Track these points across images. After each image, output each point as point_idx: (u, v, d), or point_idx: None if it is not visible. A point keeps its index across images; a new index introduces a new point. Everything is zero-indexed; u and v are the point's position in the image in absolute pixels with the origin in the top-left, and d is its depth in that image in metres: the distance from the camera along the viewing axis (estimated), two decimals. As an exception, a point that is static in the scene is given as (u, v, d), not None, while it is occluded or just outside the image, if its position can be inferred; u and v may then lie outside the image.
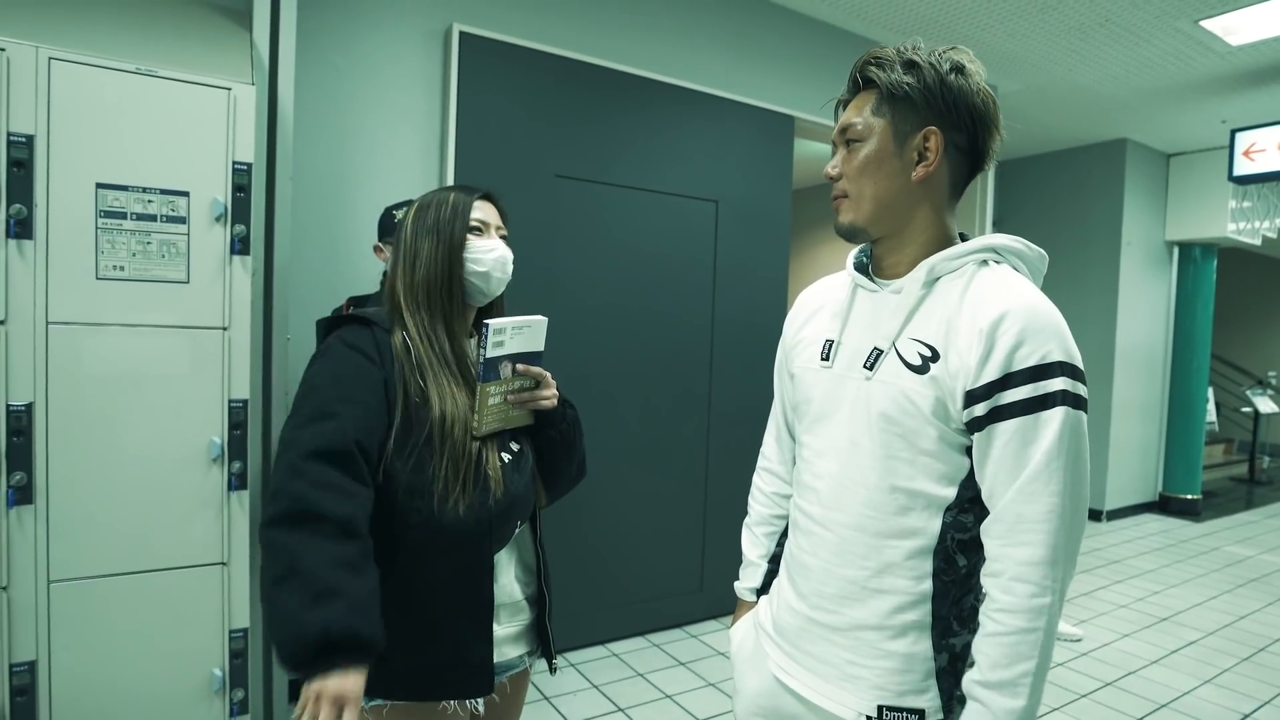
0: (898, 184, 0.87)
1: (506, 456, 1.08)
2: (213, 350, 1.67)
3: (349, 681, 0.79)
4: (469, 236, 1.07)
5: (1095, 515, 5.17)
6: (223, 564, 1.68)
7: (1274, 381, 7.49)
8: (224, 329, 1.68)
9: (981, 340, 0.78)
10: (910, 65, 0.85)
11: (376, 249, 1.97)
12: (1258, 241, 5.37)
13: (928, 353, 0.83)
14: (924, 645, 0.84)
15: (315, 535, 0.82)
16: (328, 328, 1.08)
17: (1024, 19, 3.24)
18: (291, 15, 1.89)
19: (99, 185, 1.54)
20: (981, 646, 0.79)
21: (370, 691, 0.97)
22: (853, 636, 0.87)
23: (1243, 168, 4.25)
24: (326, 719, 0.76)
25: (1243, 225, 5.18)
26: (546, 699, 2.39)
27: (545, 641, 1.16)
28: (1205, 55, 3.57)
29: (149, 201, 1.59)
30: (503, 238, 1.13)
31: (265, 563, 0.84)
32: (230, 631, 1.69)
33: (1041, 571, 0.76)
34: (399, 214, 1.87)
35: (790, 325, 1.06)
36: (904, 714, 0.84)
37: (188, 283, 1.64)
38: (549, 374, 1.12)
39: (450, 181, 2.43)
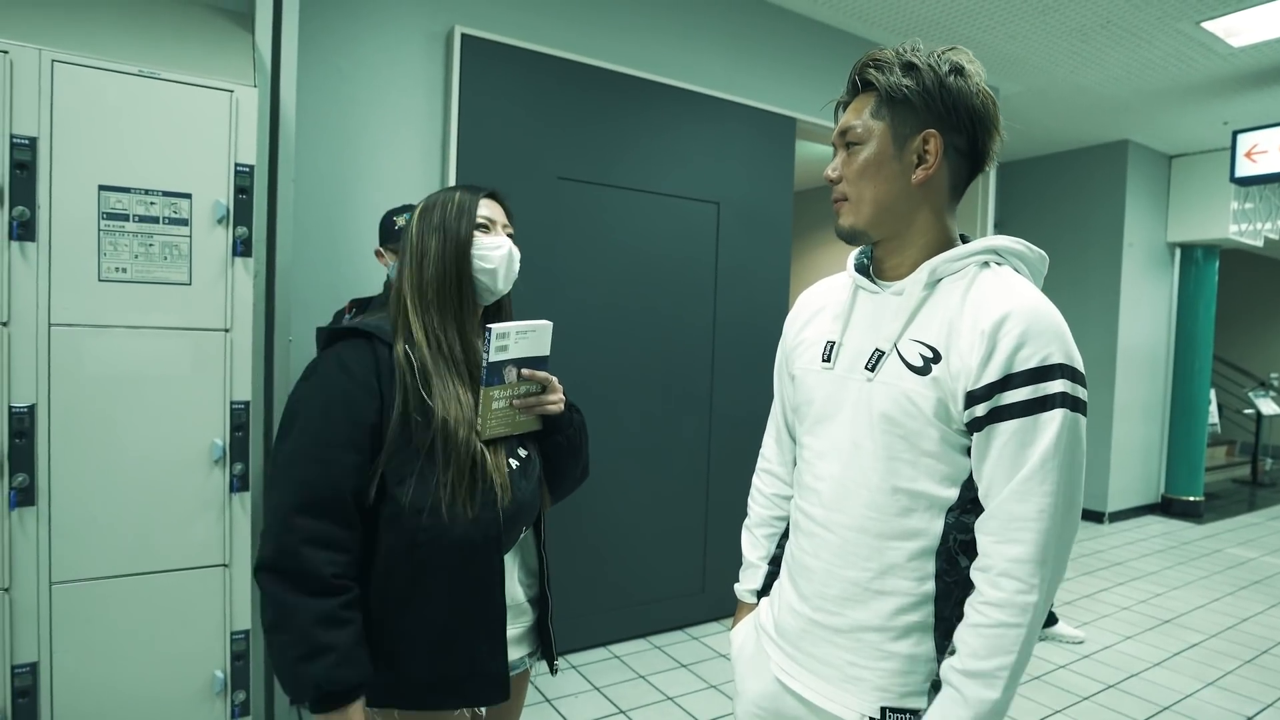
0: (898, 187, 0.87)
1: (514, 462, 1.07)
2: (215, 352, 1.67)
3: (354, 713, 0.92)
4: (475, 234, 1.06)
5: (1097, 517, 5.16)
6: (224, 566, 1.68)
7: (1276, 383, 7.48)
8: (226, 331, 1.68)
9: (983, 341, 0.79)
10: (909, 67, 0.85)
11: (378, 253, 1.97)
12: (1260, 243, 5.37)
13: (929, 354, 0.83)
14: (926, 646, 0.84)
15: (302, 593, 0.91)
16: (328, 339, 1.06)
17: (1025, 21, 3.24)
18: (294, 17, 1.89)
19: (101, 187, 1.55)
20: (963, 635, 0.79)
21: (382, 700, 0.99)
22: (855, 638, 0.87)
23: (1244, 169, 4.24)
24: None
25: (1244, 227, 5.17)
26: (548, 701, 2.39)
27: (547, 643, 1.16)
28: (1207, 57, 3.57)
29: (151, 203, 1.60)
30: (509, 235, 1.12)
31: (262, 603, 0.94)
32: (232, 633, 1.69)
33: (1029, 569, 0.76)
34: (399, 220, 1.86)
35: (791, 326, 1.05)
36: (906, 715, 0.84)
37: (190, 284, 1.64)
38: (555, 379, 1.12)
39: (452, 184, 2.43)
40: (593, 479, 1.32)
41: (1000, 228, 4.98)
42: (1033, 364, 0.77)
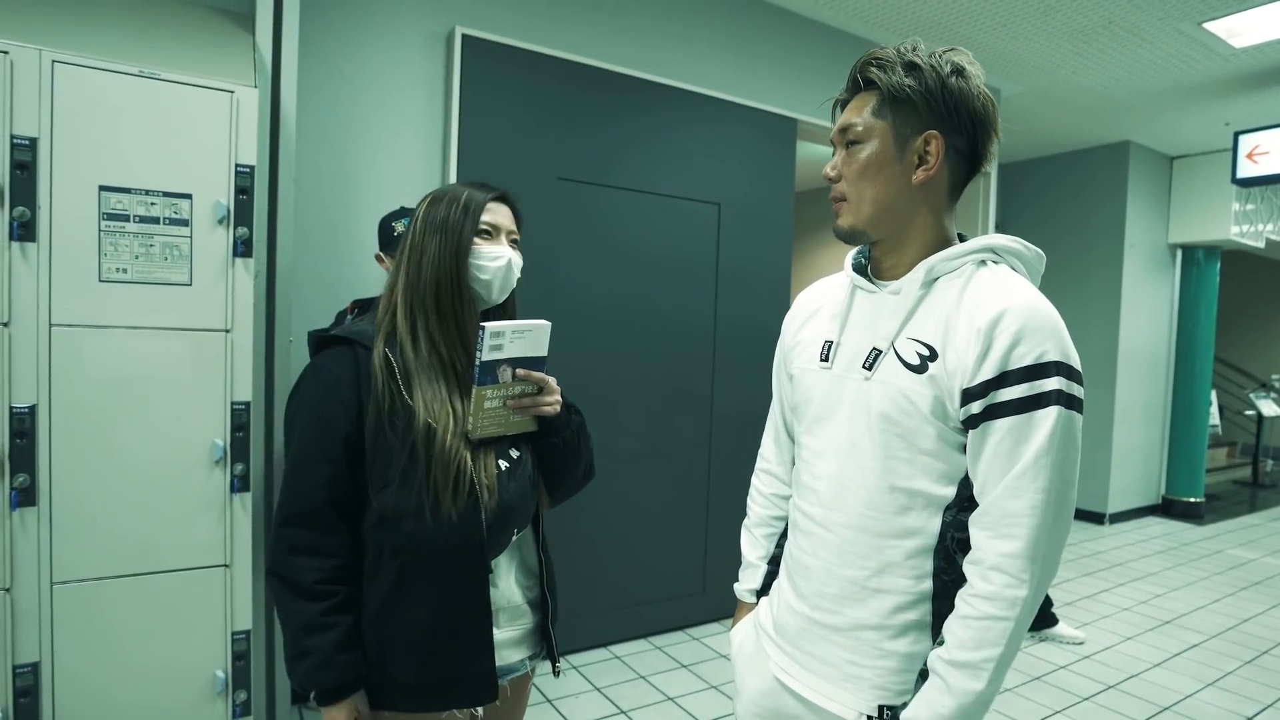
0: (898, 187, 0.87)
1: (504, 463, 1.06)
2: (215, 352, 1.67)
3: (336, 714, 0.97)
4: (476, 240, 1.05)
5: (1098, 518, 5.16)
6: (225, 566, 1.69)
7: (1277, 384, 7.47)
8: (226, 331, 1.68)
9: (979, 339, 0.79)
10: (911, 67, 0.85)
11: (378, 258, 1.96)
12: (1261, 244, 5.36)
13: (926, 352, 0.83)
14: (924, 645, 0.85)
15: (291, 598, 0.97)
16: (315, 346, 1.07)
17: (1026, 21, 3.24)
18: (294, 18, 1.89)
19: (102, 188, 1.55)
20: (952, 626, 0.80)
21: (374, 701, 1.01)
22: (853, 636, 0.87)
23: (1246, 170, 4.24)
24: None
25: (1246, 228, 5.17)
26: (549, 701, 2.39)
27: (549, 645, 1.15)
28: (1208, 57, 3.57)
29: (151, 204, 1.60)
30: (514, 241, 1.11)
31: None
32: (233, 633, 1.69)
33: (1020, 564, 0.77)
34: (397, 226, 1.86)
35: (789, 326, 1.06)
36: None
37: (190, 285, 1.64)
38: (553, 379, 1.09)
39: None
40: (593, 479, 1.30)
41: (1001, 228, 4.97)
42: (1028, 361, 0.77)
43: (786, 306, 1.11)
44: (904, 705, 0.85)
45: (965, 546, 0.83)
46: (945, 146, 0.86)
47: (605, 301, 2.77)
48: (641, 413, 2.87)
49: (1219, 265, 5.48)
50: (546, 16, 2.64)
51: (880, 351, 0.87)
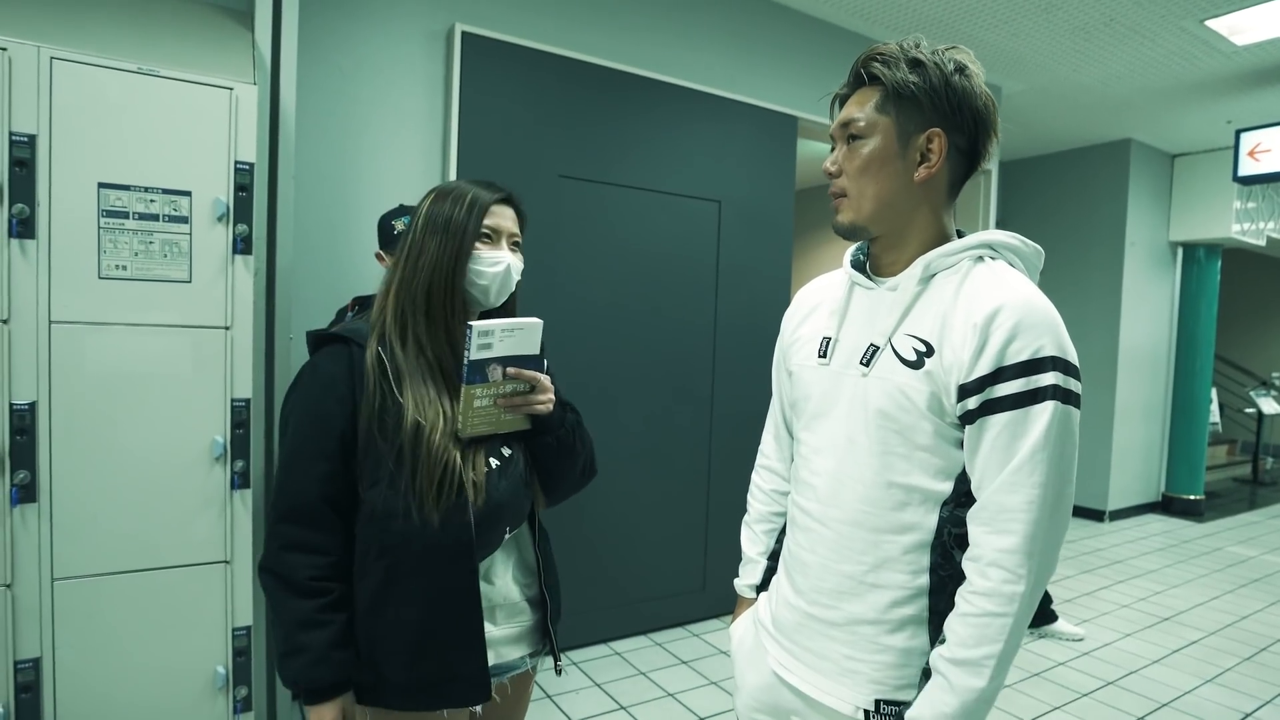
0: (899, 184, 0.87)
1: (495, 462, 1.05)
2: (215, 350, 1.67)
3: (323, 713, 0.96)
4: (476, 245, 1.04)
5: (1098, 515, 5.16)
6: (225, 562, 1.69)
7: (1278, 382, 7.47)
8: (226, 328, 1.68)
9: (975, 334, 0.79)
10: (916, 64, 0.85)
11: (378, 256, 1.96)
12: (1262, 242, 5.36)
13: (922, 348, 0.83)
14: (921, 640, 0.85)
15: (285, 594, 0.97)
16: (313, 344, 1.07)
17: (1027, 19, 3.23)
18: (293, 15, 1.89)
19: (101, 185, 1.55)
20: (952, 624, 0.80)
21: (367, 699, 1.01)
22: (850, 631, 0.88)
23: (1247, 168, 4.23)
24: None
25: (1247, 226, 5.16)
26: (549, 697, 2.40)
27: (550, 643, 1.14)
28: (1210, 55, 3.56)
29: (151, 201, 1.60)
30: (515, 245, 1.10)
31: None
32: (233, 629, 1.70)
33: (1017, 559, 0.77)
34: (397, 224, 1.86)
35: (788, 323, 1.06)
36: (901, 708, 0.85)
37: (190, 282, 1.64)
38: (546, 378, 1.08)
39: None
40: (596, 477, 1.29)
41: (1002, 226, 4.96)
42: (1024, 357, 0.77)
43: (787, 304, 1.11)
44: (901, 700, 0.85)
45: (962, 542, 0.83)
46: (948, 145, 0.86)
47: (606, 299, 2.77)
48: (642, 410, 2.87)
49: (1220, 263, 5.47)
50: (547, 14, 2.63)
51: (878, 348, 0.87)
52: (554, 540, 1.24)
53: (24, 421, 1.48)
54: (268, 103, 1.86)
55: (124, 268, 1.58)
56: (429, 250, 1.04)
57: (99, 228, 1.55)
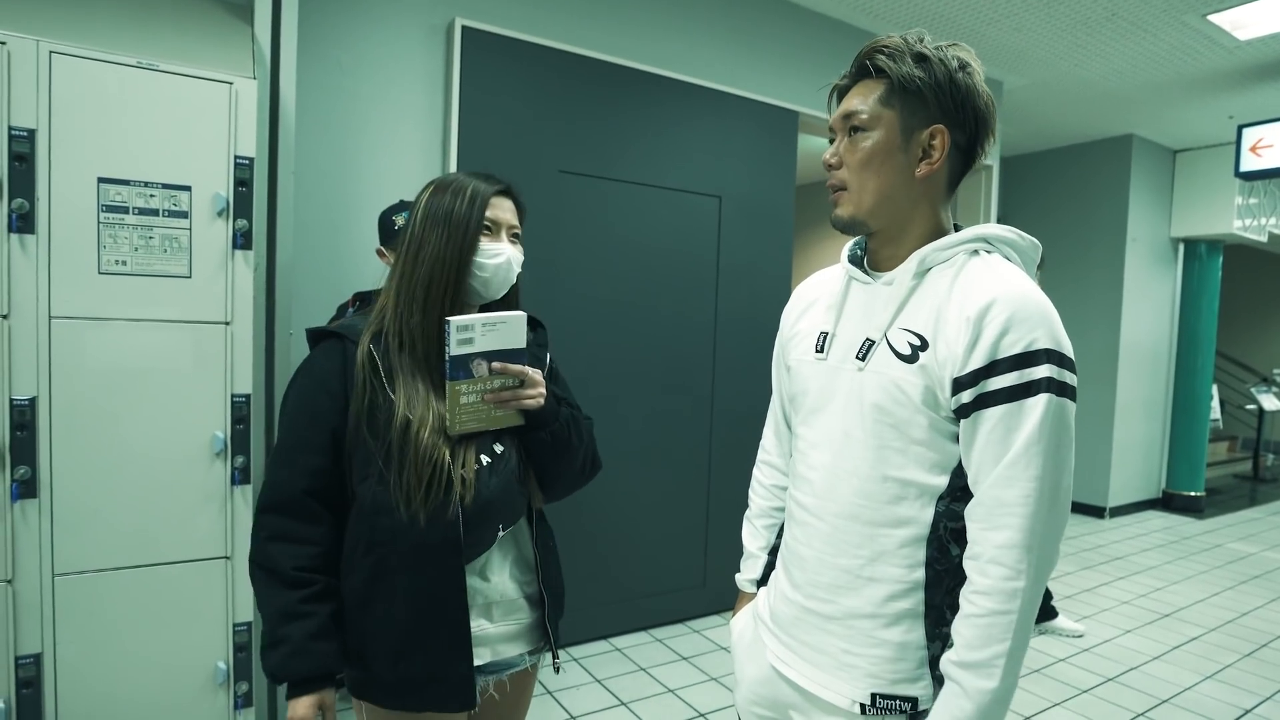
0: (900, 179, 0.87)
1: (486, 459, 1.03)
2: (215, 345, 1.67)
3: (298, 706, 0.95)
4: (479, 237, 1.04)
5: (1098, 512, 5.16)
6: (226, 558, 1.69)
7: (1279, 379, 7.46)
8: (226, 324, 1.68)
9: (969, 327, 0.79)
10: (921, 58, 0.84)
11: (379, 252, 1.96)
12: (1264, 238, 5.35)
13: (917, 342, 0.83)
14: (917, 634, 0.85)
15: (269, 585, 0.97)
16: (311, 340, 1.08)
17: (1029, 13, 3.22)
18: (293, 9, 1.89)
19: (101, 179, 1.54)
20: (958, 627, 0.80)
21: (361, 693, 1.02)
22: (847, 625, 0.87)
23: (1249, 164, 4.22)
24: None
25: (1249, 222, 5.15)
26: (549, 693, 2.40)
27: (549, 640, 1.14)
28: (1212, 50, 3.55)
29: (151, 196, 1.59)
30: (515, 236, 1.10)
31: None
32: (234, 625, 1.70)
33: (1016, 555, 0.76)
34: (398, 219, 1.85)
35: (787, 318, 1.06)
36: (897, 701, 0.85)
37: (190, 277, 1.64)
38: (536, 372, 1.06)
39: (452, 176, 2.42)
40: (600, 471, 1.27)
41: (1003, 222, 4.94)
42: (1018, 349, 0.77)
43: (787, 299, 1.11)
44: (897, 694, 0.85)
45: (958, 536, 0.83)
46: (949, 142, 0.85)
47: (606, 295, 2.76)
48: (642, 406, 2.87)
49: (1221, 259, 5.46)
50: (547, 9, 2.62)
51: (873, 342, 0.87)
52: (554, 536, 1.23)
53: (24, 417, 1.48)
54: (267, 97, 1.85)
55: (124, 263, 1.57)
56: (429, 243, 1.03)
57: (99, 222, 1.55)
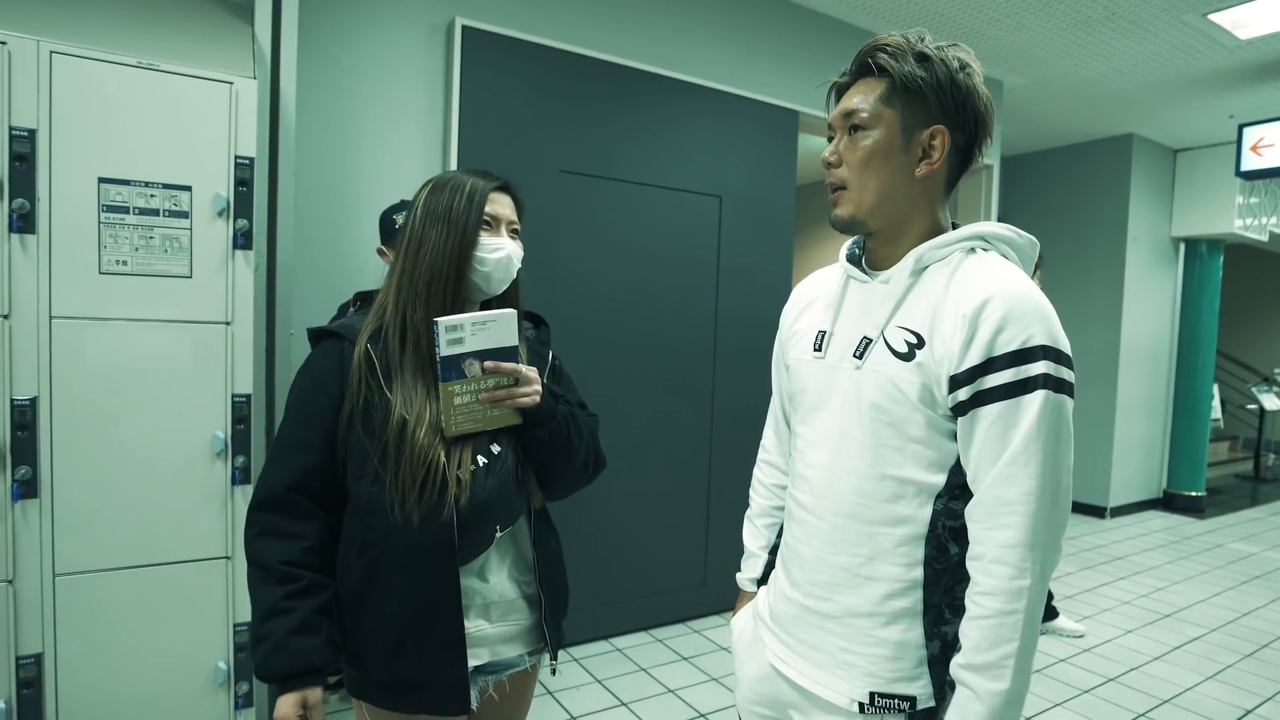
0: (901, 178, 0.87)
1: (483, 460, 1.02)
2: (216, 345, 1.67)
3: (281, 704, 0.94)
4: (479, 232, 1.04)
5: (1099, 512, 5.16)
6: (227, 558, 1.69)
7: (1280, 378, 7.46)
8: (227, 324, 1.68)
9: (965, 325, 0.79)
10: (922, 58, 0.84)
11: (380, 252, 1.96)
12: (1265, 238, 5.34)
13: (914, 340, 0.83)
14: (916, 633, 0.84)
15: (259, 581, 0.97)
16: (311, 340, 1.08)
17: (1029, 12, 3.22)
18: (293, 9, 1.89)
19: (101, 179, 1.54)
20: (965, 630, 0.79)
21: (358, 692, 1.02)
22: (845, 624, 0.87)
23: (1250, 163, 4.22)
24: None
25: (1250, 221, 5.15)
26: (550, 693, 2.40)
27: (547, 641, 1.13)
28: (1213, 49, 3.55)
29: (151, 196, 1.59)
30: (514, 232, 1.09)
31: None
32: (234, 625, 1.70)
33: (1020, 554, 0.76)
34: (398, 218, 1.85)
35: (786, 317, 1.06)
36: (896, 700, 0.85)
37: (190, 277, 1.64)
38: (531, 370, 1.05)
39: (453, 176, 2.42)
40: (605, 470, 1.26)
41: (1003, 221, 4.95)
42: (1014, 346, 0.77)
43: (787, 299, 1.11)
44: (896, 693, 0.85)
45: (956, 535, 0.83)
46: (949, 143, 0.85)
47: (607, 294, 2.76)
48: (642, 405, 2.87)
49: (1222, 259, 5.46)
50: (547, 8, 2.62)
51: (870, 340, 0.87)
52: (557, 536, 1.22)
53: (25, 417, 1.48)
54: (268, 97, 1.85)
55: (124, 263, 1.57)
56: (429, 240, 1.03)
57: (99, 222, 1.55)
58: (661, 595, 2.97)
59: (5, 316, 1.47)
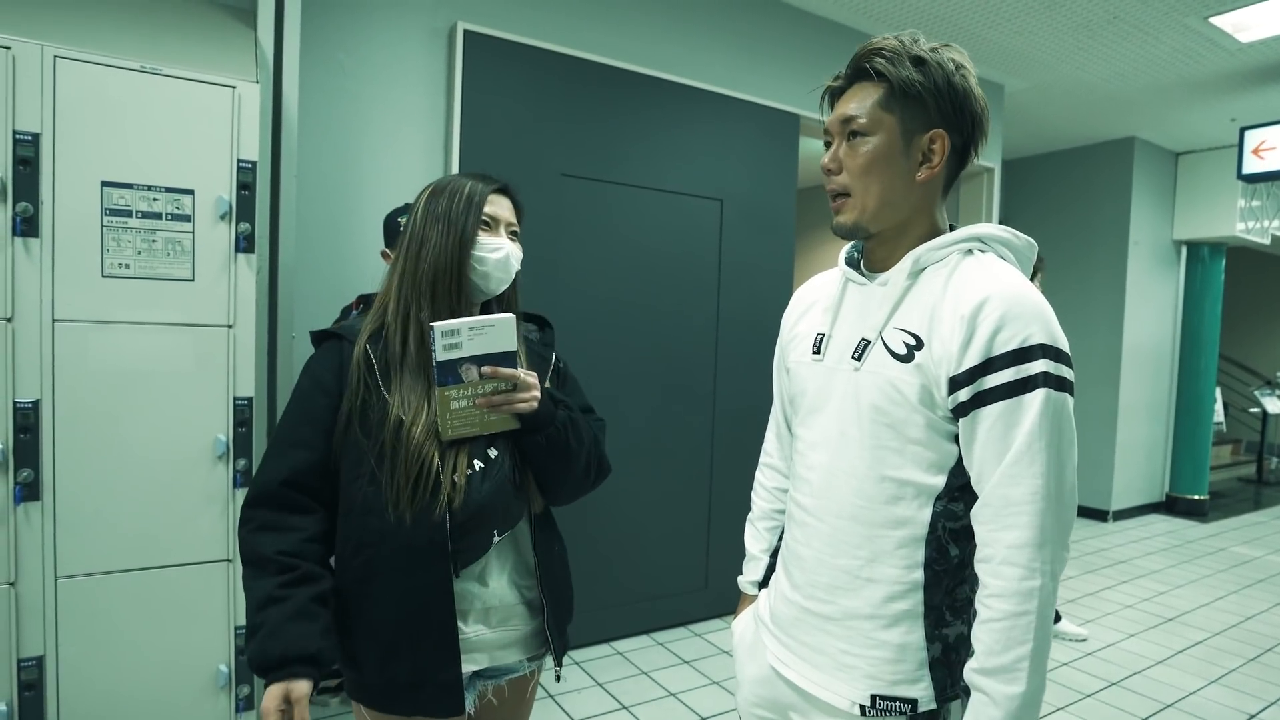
0: (901, 184, 0.87)
1: (479, 464, 1.01)
2: (218, 348, 1.68)
3: (266, 697, 0.90)
4: (479, 232, 1.04)
5: (1101, 515, 5.14)
6: (228, 561, 1.69)
7: (1283, 381, 7.44)
8: (229, 327, 1.69)
9: (963, 326, 0.79)
10: (919, 61, 0.84)
11: (384, 254, 1.97)
12: (1266, 241, 5.34)
13: (912, 341, 0.83)
14: (916, 635, 0.84)
15: (253, 576, 0.95)
16: (314, 342, 1.08)
17: (1031, 16, 3.22)
18: (296, 13, 1.89)
19: (104, 183, 1.55)
20: (977, 633, 0.79)
21: (356, 695, 1.02)
22: (846, 626, 0.87)
23: (1252, 166, 4.22)
24: None
25: (1251, 224, 5.14)
26: (551, 697, 2.40)
27: (549, 646, 1.12)
28: (1214, 52, 3.55)
29: (154, 199, 1.60)
30: (514, 234, 1.10)
31: None
32: (236, 628, 1.70)
33: (1029, 554, 0.76)
34: (403, 220, 1.86)
35: (786, 321, 1.06)
36: (896, 703, 0.84)
37: (193, 280, 1.64)
38: (529, 375, 1.04)
39: (454, 179, 2.43)
40: (609, 475, 1.25)
41: (1005, 225, 4.95)
42: (1013, 346, 0.77)
43: (788, 302, 1.11)
44: (897, 695, 0.84)
45: (956, 537, 0.83)
46: (949, 146, 0.86)
47: (608, 297, 2.77)
48: (644, 408, 2.87)
49: (1224, 262, 5.45)
50: (549, 12, 2.63)
51: (869, 342, 0.87)
52: (560, 540, 1.22)
53: (28, 420, 1.49)
54: (270, 101, 1.86)
55: (127, 266, 1.58)
56: (430, 241, 1.03)
57: (102, 226, 1.55)
58: (662, 598, 2.97)
59: (8, 319, 1.48)
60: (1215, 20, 3.19)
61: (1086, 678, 2.69)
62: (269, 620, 0.91)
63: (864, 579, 0.86)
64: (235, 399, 1.69)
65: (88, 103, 1.53)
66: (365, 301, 1.96)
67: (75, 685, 1.55)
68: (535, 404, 1.04)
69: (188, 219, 1.63)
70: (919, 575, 0.84)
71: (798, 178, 3.26)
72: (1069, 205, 5.33)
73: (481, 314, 1.09)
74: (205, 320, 1.66)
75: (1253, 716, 2.45)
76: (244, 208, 1.69)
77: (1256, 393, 7.07)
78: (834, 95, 0.91)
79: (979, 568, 0.80)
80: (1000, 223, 4.45)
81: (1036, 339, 0.77)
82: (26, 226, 1.48)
